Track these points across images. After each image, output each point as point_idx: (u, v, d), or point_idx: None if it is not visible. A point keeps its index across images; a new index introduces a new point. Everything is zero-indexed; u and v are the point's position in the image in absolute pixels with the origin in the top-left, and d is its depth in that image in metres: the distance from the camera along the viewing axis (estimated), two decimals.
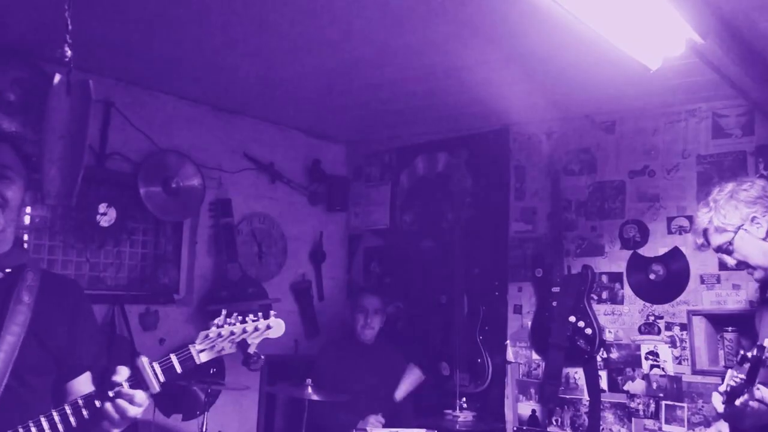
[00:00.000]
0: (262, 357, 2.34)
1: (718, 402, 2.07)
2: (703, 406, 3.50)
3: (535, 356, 4.10)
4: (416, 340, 4.49)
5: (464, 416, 3.86)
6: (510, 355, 4.20)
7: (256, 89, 3.94)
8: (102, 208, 3.79)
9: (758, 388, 1.99)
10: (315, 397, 3.53)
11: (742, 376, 1.96)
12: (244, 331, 1.84)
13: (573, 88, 3.60)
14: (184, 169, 4.07)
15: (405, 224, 4.83)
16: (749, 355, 1.95)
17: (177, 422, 3.98)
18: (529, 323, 4.11)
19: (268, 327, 1.87)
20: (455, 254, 4.35)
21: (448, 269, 4.39)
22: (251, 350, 1.86)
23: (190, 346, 1.80)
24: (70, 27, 1.85)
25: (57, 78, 2.07)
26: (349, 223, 5.10)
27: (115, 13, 2.91)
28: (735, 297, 3.49)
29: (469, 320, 4.28)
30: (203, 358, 1.80)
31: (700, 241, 2.48)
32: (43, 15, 2.64)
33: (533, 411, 4.08)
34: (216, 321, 1.83)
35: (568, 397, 3.96)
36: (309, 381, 3.58)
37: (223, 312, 1.85)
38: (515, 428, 4.10)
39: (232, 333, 1.82)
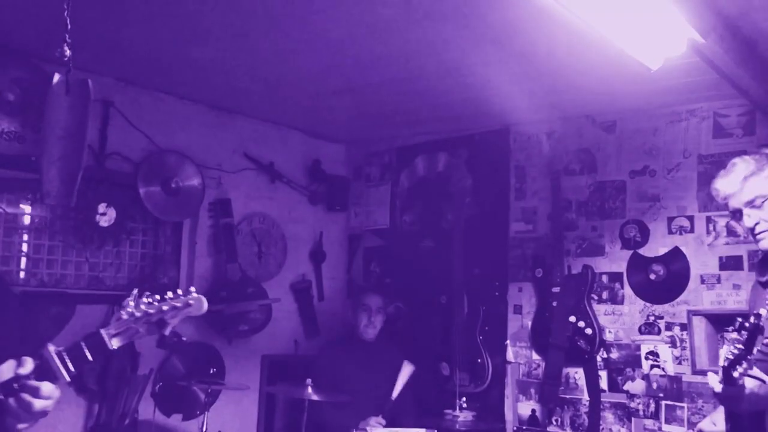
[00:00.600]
0: (184, 338, 2.20)
1: (715, 381, 2.07)
2: (703, 406, 3.50)
3: (535, 356, 4.09)
4: (416, 340, 4.49)
5: (464, 416, 3.85)
6: (510, 355, 4.20)
7: (256, 89, 3.94)
8: (101, 208, 3.79)
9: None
10: (315, 397, 3.53)
11: (740, 345, 1.95)
12: (161, 310, 1.70)
13: (573, 88, 3.60)
14: (184, 169, 4.07)
15: (405, 224, 4.83)
16: (747, 324, 1.94)
17: (177, 422, 3.98)
18: (529, 323, 4.10)
19: (188, 304, 1.73)
20: (455, 254, 4.35)
21: (448, 269, 4.38)
22: (167, 331, 1.74)
23: (101, 330, 1.68)
24: (69, 27, 1.85)
25: (56, 77, 2.07)
26: (349, 223, 5.09)
27: (114, 12, 2.91)
28: (735, 297, 3.48)
29: (469, 320, 4.28)
30: (115, 343, 1.68)
31: (736, 188, 2.35)
32: (42, 15, 2.64)
33: (533, 411, 4.07)
34: (128, 302, 1.70)
35: (568, 397, 3.95)
36: (309, 381, 3.58)
37: (134, 291, 1.73)
38: (515, 428, 4.10)
39: (147, 314, 1.69)
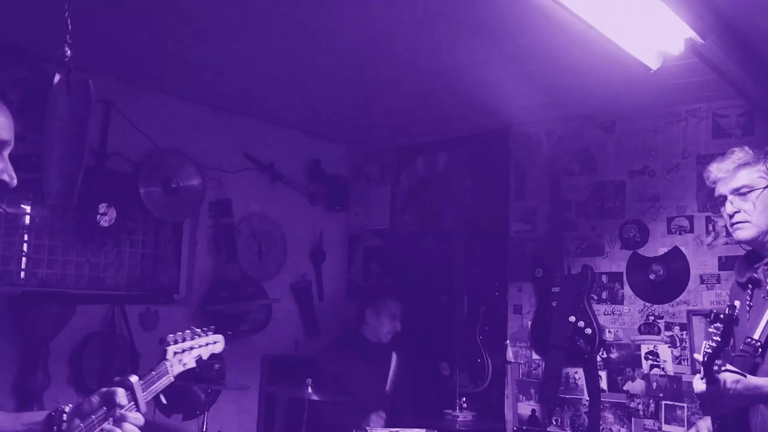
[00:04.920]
0: (216, 366, 2.58)
1: (698, 381, 2.08)
2: None
3: (534, 356, 4.10)
4: (416, 340, 4.49)
5: (464, 416, 3.86)
6: (510, 355, 4.20)
7: (256, 89, 3.94)
8: (102, 208, 3.79)
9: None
10: (315, 397, 3.53)
11: (717, 338, 1.99)
12: (199, 346, 1.92)
13: (573, 88, 3.61)
14: (184, 169, 4.07)
15: (405, 224, 4.83)
16: (721, 315, 1.99)
17: (177, 422, 3.98)
18: (529, 323, 4.11)
19: (215, 342, 1.99)
20: (455, 254, 4.36)
21: (448, 269, 4.39)
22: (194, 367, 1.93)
23: (165, 362, 1.81)
24: (70, 27, 1.85)
25: (57, 78, 2.07)
26: (349, 223, 5.10)
27: (115, 13, 2.92)
28: None
29: (469, 320, 4.28)
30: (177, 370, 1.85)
31: (727, 174, 2.38)
32: (43, 15, 2.64)
33: (533, 411, 4.08)
34: (171, 338, 1.87)
35: (567, 397, 3.96)
36: (309, 381, 3.58)
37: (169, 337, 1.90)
38: (515, 428, 4.11)
39: (191, 348, 1.90)
